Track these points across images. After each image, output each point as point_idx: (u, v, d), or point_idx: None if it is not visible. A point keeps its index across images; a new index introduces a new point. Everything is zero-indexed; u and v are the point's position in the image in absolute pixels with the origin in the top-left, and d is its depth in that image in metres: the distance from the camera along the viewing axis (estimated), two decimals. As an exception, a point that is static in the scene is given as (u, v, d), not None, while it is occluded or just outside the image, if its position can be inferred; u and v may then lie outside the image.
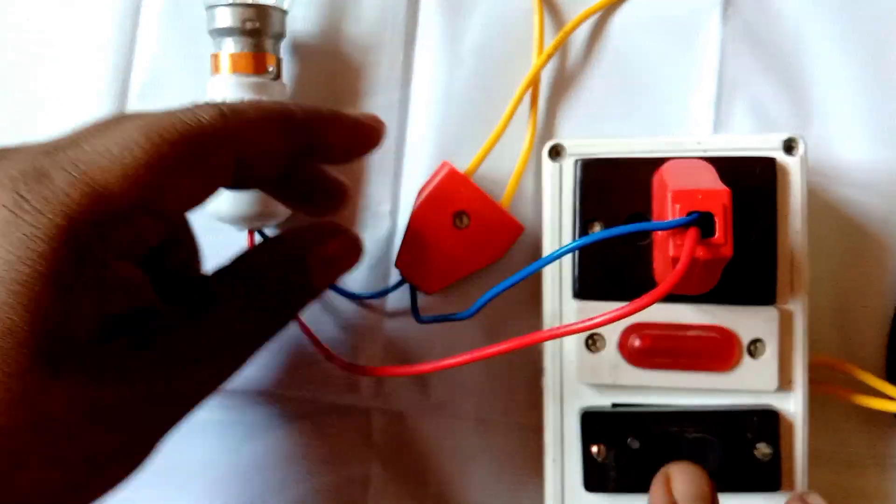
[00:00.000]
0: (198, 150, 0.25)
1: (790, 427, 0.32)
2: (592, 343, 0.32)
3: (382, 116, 0.41)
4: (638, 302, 0.26)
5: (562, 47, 0.40)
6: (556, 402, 0.33)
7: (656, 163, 0.31)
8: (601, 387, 0.33)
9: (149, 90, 0.43)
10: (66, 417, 0.23)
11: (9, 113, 0.44)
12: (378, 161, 0.41)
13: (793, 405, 0.32)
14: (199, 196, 0.26)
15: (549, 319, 0.33)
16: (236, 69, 0.37)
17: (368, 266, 0.40)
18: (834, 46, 0.39)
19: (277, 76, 0.38)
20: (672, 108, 0.40)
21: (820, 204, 0.38)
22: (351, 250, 0.33)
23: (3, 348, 0.21)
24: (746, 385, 0.32)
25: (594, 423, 0.32)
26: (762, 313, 0.31)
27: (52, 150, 0.24)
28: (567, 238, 0.33)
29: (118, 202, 0.23)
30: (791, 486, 0.32)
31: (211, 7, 0.38)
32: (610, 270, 0.32)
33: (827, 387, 0.36)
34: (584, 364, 0.32)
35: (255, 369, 0.40)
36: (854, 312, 0.38)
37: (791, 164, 0.32)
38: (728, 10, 0.39)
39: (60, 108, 0.43)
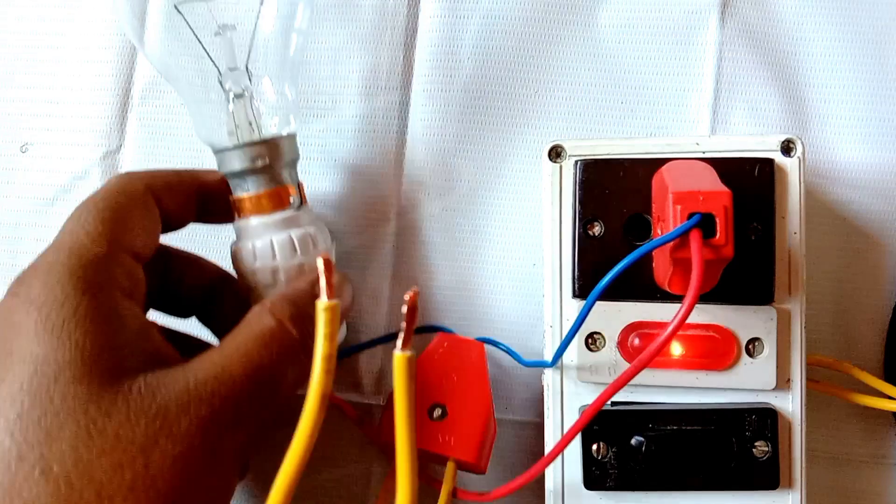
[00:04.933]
0: (124, 198, 0.31)
1: (788, 425, 0.32)
2: (592, 342, 0.32)
3: (382, 117, 0.41)
4: (675, 322, 0.26)
5: (560, 49, 0.41)
6: (556, 400, 0.33)
7: (655, 163, 0.31)
8: (601, 385, 0.33)
9: (151, 92, 0.43)
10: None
11: (12, 114, 0.44)
12: (379, 162, 0.41)
13: (791, 404, 0.32)
14: (147, 228, 0.32)
15: (550, 319, 0.33)
16: (258, 211, 0.34)
17: (370, 266, 0.41)
18: (832, 48, 0.39)
19: (302, 202, 0.35)
20: (670, 109, 0.40)
21: (818, 204, 0.38)
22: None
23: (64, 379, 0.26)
24: (745, 384, 0.32)
25: (594, 422, 0.32)
26: (760, 313, 0.32)
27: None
28: (567, 239, 0.33)
29: (93, 246, 0.29)
30: (789, 485, 0.32)
31: (219, 152, 0.35)
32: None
33: (825, 386, 0.36)
34: (584, 363, 0.32)
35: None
36: (852, 312, 0.38)
37: (789, 165, 0.32)
38: (726, 13, 0.40)
39: (64, 109, 0.43)
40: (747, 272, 0.31)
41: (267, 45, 0.36)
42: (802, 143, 0.32)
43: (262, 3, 0.36)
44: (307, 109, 0.41)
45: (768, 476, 0.32)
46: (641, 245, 0.31)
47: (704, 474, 0.32)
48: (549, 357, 0.33)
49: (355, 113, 0.41)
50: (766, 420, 0.32)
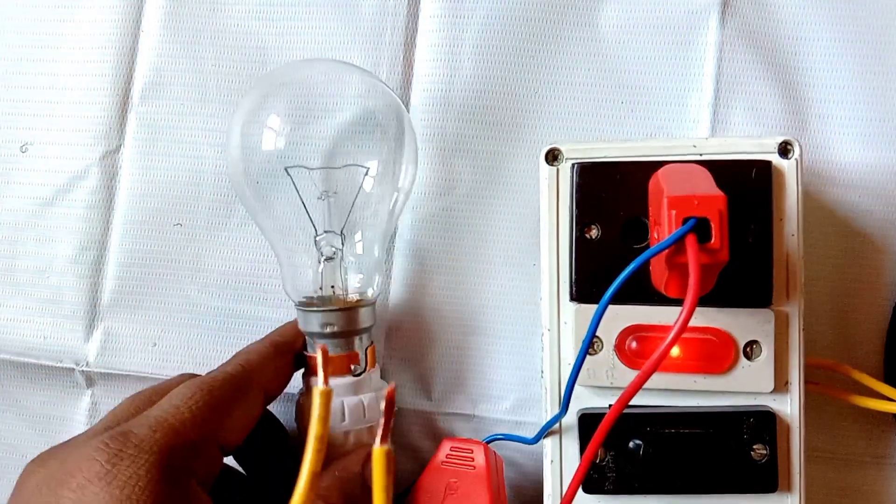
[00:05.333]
0: (235, 393, 0.32)
1: (787, 428, 0.32)
2: (590, 345, 0.32)
3: (383, 117, 0.41)
4: (676, 328, 0.26)
5: (560, 49, 0.40)
6: (554, 403, 0.33)
7: (652, 166, 0.31)
8: (599, 388, 0.33)
9: (151, 90, 0.43)
10: None
11: (12, 113, 0.44)
12: (378, 162, 0.41)
13: (789, 406, 0.32)
14: (246, 424, 0.33)
15: (547, 322, 0.33)
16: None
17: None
18: (832, 48, 0.39)
19: (366, 368, 0.36)
20: (670, 109, 0.40)
21: (816, 206, 0.38)
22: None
23: None
24: (743, 387, 0.32)
25: (592, 425, 0.32)
26: (758, 315, 0.31)
27: (124, 422, 0.30)
28: (564, 241, 0.33)
29: (190, 430, 0.30)
30: (788, 487, 0.32)
31: (300, 308, 0.36)
32: (606, 274, 0.32)
33: (824, 388, 0.36)
34: (582, 366, 0.32)
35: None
36: (851, 314, 0.38)
37: (787, 166, 0.32)
38: (726, 13, 0.39)
39: (64, 109, 0.43)
40: (745, 275, 0.31)
41: (364, 212, 0.38)
42: (800, 144, 0.32)
43: (365, 172, 0.37)
44: (306, 110, 0.41)
45: (766, 479, 0.32)
46: (639, 248, 0.32)
47: (702, 477, 0.32)
48: (547, 363, 0.33)
49: (356, 113, 0.41)
50: (764, 423, 0.31)
